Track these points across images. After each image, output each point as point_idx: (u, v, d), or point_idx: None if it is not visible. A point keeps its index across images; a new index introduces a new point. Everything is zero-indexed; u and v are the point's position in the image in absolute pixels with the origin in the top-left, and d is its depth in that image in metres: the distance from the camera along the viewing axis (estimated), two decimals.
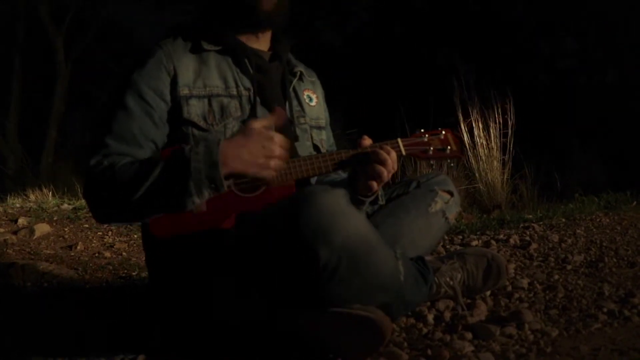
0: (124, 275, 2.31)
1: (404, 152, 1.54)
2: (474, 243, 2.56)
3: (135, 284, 2.18)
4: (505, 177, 4.06)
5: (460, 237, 2.71)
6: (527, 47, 6.51)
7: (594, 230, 2.63)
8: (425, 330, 1.51)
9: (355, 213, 1.31)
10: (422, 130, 1.60)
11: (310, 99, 1.75)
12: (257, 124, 1.38)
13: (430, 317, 1.57)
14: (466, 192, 4.00)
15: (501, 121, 4.09)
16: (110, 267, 2.41)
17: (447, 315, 1.58)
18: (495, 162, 4.03)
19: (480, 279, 1.68)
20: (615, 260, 2.09)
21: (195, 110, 1.52)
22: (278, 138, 1.39)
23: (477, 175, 4.01)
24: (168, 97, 1.53)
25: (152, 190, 1.34)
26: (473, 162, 4.01)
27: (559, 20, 6.43)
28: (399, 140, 1.54)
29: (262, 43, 1.66)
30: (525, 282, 1.85)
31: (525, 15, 6.51)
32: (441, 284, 1.61)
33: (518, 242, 2.50)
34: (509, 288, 1.80)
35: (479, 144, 4.03)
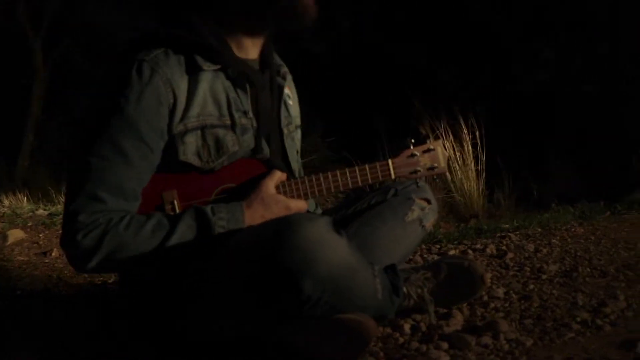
0: (99, 282, 2.28)
1: (393, 176, 1.53)
2: (452, 252, 2.58)
3: (111, 292, 2.15)
4: (481, 187, 4.11)
5: (438, 246, 2.73)
6: (505, 57, 6.60)
7: (569, 240, 2.66)
8: (401, 340, 1.52)
9: (337, 240, 1.28)
10: (413, 142, 1.57)
11: (290, 98, 1.70)
12: (272, 188, 1.43)
13: (407, 327, 1.57)
14: (443, 202, 4.03)
15: (471, 132, 4.15)
16: (86, 274, 2.38)
17: (424, 325, 1.59)
18: (470, 173, 4.07)
19: (456, 289, 1.68)
20: (588, 269, 2.12)
21: (190, 148, 1.40)
22: (294, 205, 1.44)
23: (452, 186, 4.05)
24: (166, 135, 1.39)
25: (161, 254, 1.33)
26: (448, 172, 4.05)
27: (537, 31, 6.53)
28: (390, 162, 1.53)
29: (256, 50, 1.54)
30: (501, 292, 1.87)
31: (502, 27, 6.61)
32: (410, 294, 1.60)
33: (495, 251, 2.53)
34: (485, 297, 1.81)
35: (452, 155, 4.08)
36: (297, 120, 1.74)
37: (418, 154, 1.56)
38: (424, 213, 1.73)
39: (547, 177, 5.14)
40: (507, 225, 3.15)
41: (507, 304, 1.77)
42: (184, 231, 1.33)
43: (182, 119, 1.39)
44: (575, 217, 3.26)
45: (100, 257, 1.30)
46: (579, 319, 1.60)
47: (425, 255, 2.54)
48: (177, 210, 1.41)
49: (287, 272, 1.22)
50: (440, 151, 1.58)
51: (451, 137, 4.15)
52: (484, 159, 4.12)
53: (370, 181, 1.53)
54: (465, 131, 4.16)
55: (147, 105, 1.33)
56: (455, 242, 2.79)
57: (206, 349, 1.41)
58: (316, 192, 1.49)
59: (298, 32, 1.57)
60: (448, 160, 4.01)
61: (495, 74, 6.51)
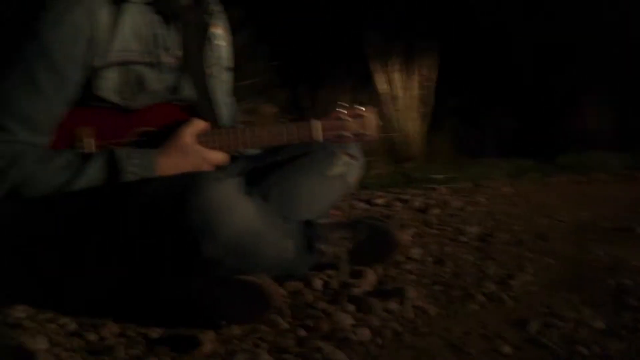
0: None
1: (318, 137, 1.50)
2: (379, 201, 2.59)
3: None
4: (423, 129, 4.11)
5: (367, 191, 2.73)
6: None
7: (495, 199, 2.71)
8: (310, 298, 1.52)
9: (245, 204, 1.26)
10: (344, 110, 1.54)
11: (221, 38, 1.63)
12: (189, 136, 1.36)
13: (318, 284, 1.58)
14: (382, 140, 4.01)
15: (424, 73, 4.10)
16: None
17: (335, 283, 1.59)
18: (413, 114, 4.06)
19: (372, 251, 1.67)
20: (506, 236, 2.15)
21: (109, 84, 1.33)
22: (212, 156, 1.39)
23: (394, 124, 4.03)
24: (85, 68, 1.31)
25: (68, 193, 1.27)
26: (392, 110, 4.02)
27: None
28: (316, 123, 1.50)
29: None
30: (417, 253, 1.89)
31: None
32: (327, 252, 1.59)
33: (422, 204, 2.55)
34: (401, 258, 1.83)
35: (399, 94, 4.03)
36: (227, 62, 1.67)
37: (348, 119, 1.53)
38: (347, 168, 1.69)
39: (490, 125, 5.14)
40: (439, 176, 3.19)
41: (421, 267, 1.80)
42: (95, 172, 1.29)
43: (103, 52, 1.31)
44: (506, 175, 3.31)
45: (4, 189, 1.25)
46: (485, 291, 1.63)
47: (353, 202, 2.54)
48: (92, 149, 1.35)
49: (187, 233, 1.21)
50: (373, 118, 1.55)
51: (400, 74, 4.09)
52: (432, 101, 4.10)
53: (294, 140, 1.50)
54: (416, 71, 4.10)
55: (65, 34, 1.26)
56: (384, 190, 2.80)
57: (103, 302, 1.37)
58: (238, 146, 1.45)
59: None
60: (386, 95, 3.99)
61: (454, 11, 6.33)
